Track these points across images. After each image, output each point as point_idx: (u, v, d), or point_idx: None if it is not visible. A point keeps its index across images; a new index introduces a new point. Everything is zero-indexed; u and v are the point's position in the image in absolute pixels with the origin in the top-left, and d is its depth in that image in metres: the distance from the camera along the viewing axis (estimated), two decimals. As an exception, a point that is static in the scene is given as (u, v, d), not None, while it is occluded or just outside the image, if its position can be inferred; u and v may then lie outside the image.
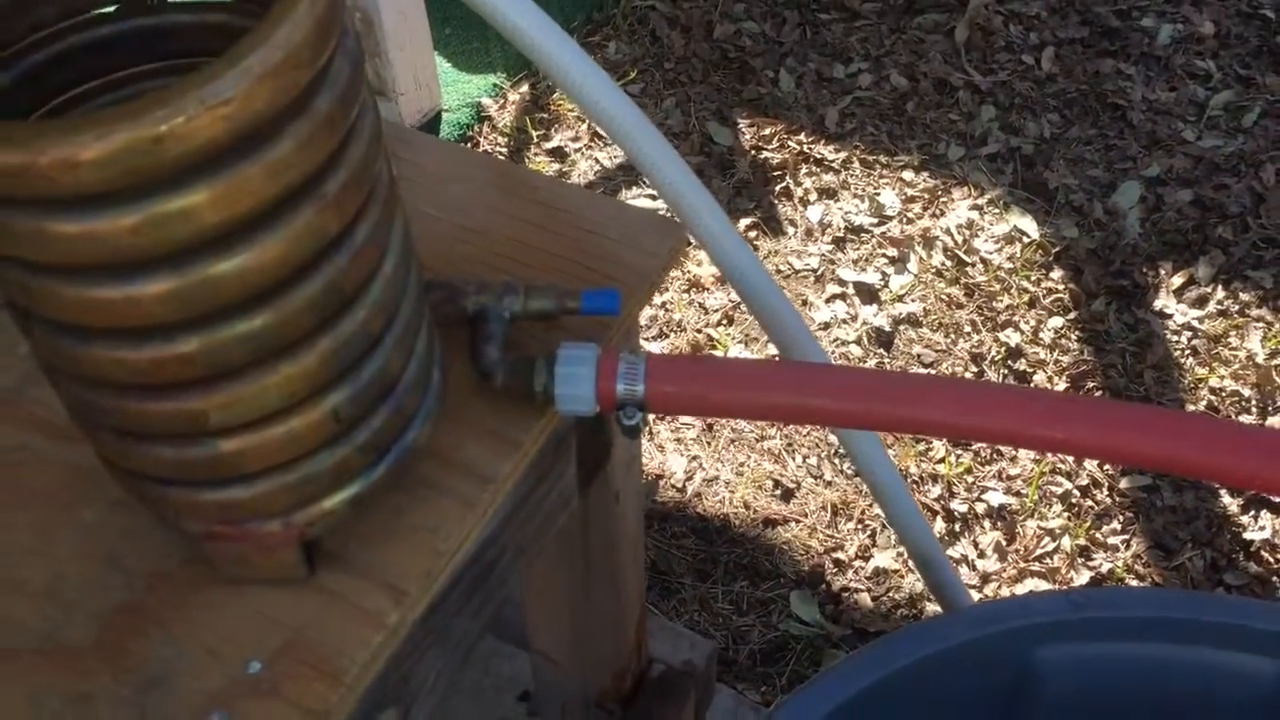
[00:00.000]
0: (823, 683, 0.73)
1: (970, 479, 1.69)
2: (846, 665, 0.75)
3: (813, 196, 2.03)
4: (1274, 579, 1.58)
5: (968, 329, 1.85)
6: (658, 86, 2.20)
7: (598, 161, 2.10)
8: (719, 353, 1.82)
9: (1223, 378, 1.76)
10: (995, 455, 1.72)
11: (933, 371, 1.81)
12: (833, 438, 1.74)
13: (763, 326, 0.82)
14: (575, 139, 2.13)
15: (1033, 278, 1.90)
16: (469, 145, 2.11)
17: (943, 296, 1.89)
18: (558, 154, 2.11)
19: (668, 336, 1.85)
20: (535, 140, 2.13)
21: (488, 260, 0.81)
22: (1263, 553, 1.60)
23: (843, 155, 2.09)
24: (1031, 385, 1.79)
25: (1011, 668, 0.75)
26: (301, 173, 0.52)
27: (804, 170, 2.07)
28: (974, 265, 1.92)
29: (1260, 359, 1.77)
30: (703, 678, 1.07)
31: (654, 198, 2.04)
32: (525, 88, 2.20)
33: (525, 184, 0.91)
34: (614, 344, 0.76)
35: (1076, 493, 1.66)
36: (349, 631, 0.60)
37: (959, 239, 1.96)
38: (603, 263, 0.81)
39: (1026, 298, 1.88)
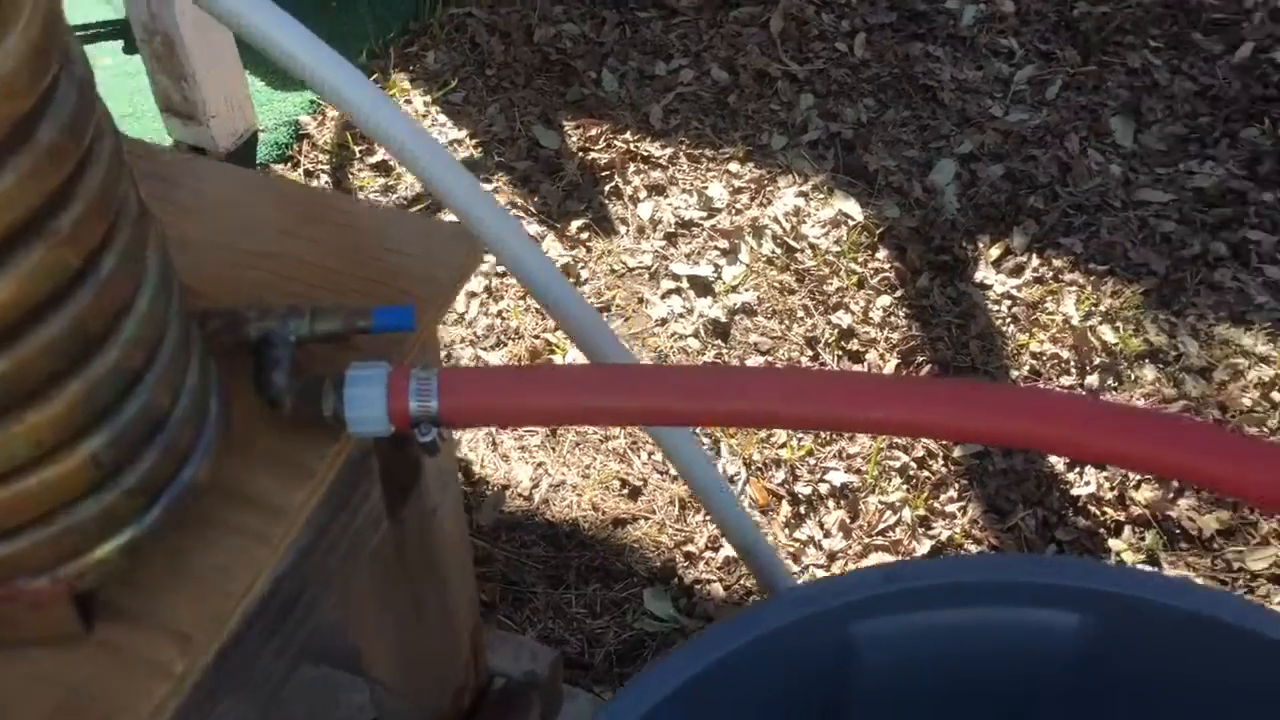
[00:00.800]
0: (645, 679, 0.73)
1: (812, 461, 1.72)
2: (670, 659, 0.75)
3: (642, 194, 2.04)
4: (1101, 530, 1.65)
5: (801, 314, 1.89)
6: (480, 94, 2.18)
7: (423, 172, 2.06)
8: (557, 357, 1.81)
9: (1042, 342, 1.84)
10: (835, 436, 1.75)
11: (770, 359, 1.84)
12: (676, 432, 1.75)
13: (566, 332, 0.81)
14: (399, 151, 2.09)
15: (860, 259, 1.95)
16: (289, 164, 2.05)
17: (775, 284, 1.92)
18: (382, 168, 2.07)
19: (506, 345, 1.84)
20: (358, 155, 2.09)
21: (280, 285, 0.78)
22: (1090, 507, 1.67)
23: (669, 151, 2.10)
24: (864, 364, 1.83)
25: (832, 646, 0.77)
26: (27, 208, 0.49)
27: (632, 168, 2.08)
28: (803, 251, 1.96)
29: (1076, 321, 1.85)
30: (546, 686, 1.06)
31: (483, 205, 2.02)
32: (344, 102, 2.15)
33: (320, 205, 0.89)
34: (410, 360, 0.74)
35: (914, 465, 1.71)
36: (132, 686, 0.57)
37: (787, 226, 1.99)
38: (399, 278, 0.80)
39: (855, 279, 1.92)
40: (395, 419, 0.67)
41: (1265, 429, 1.71)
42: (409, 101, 2.16)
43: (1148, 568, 1.60)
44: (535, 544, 1.62)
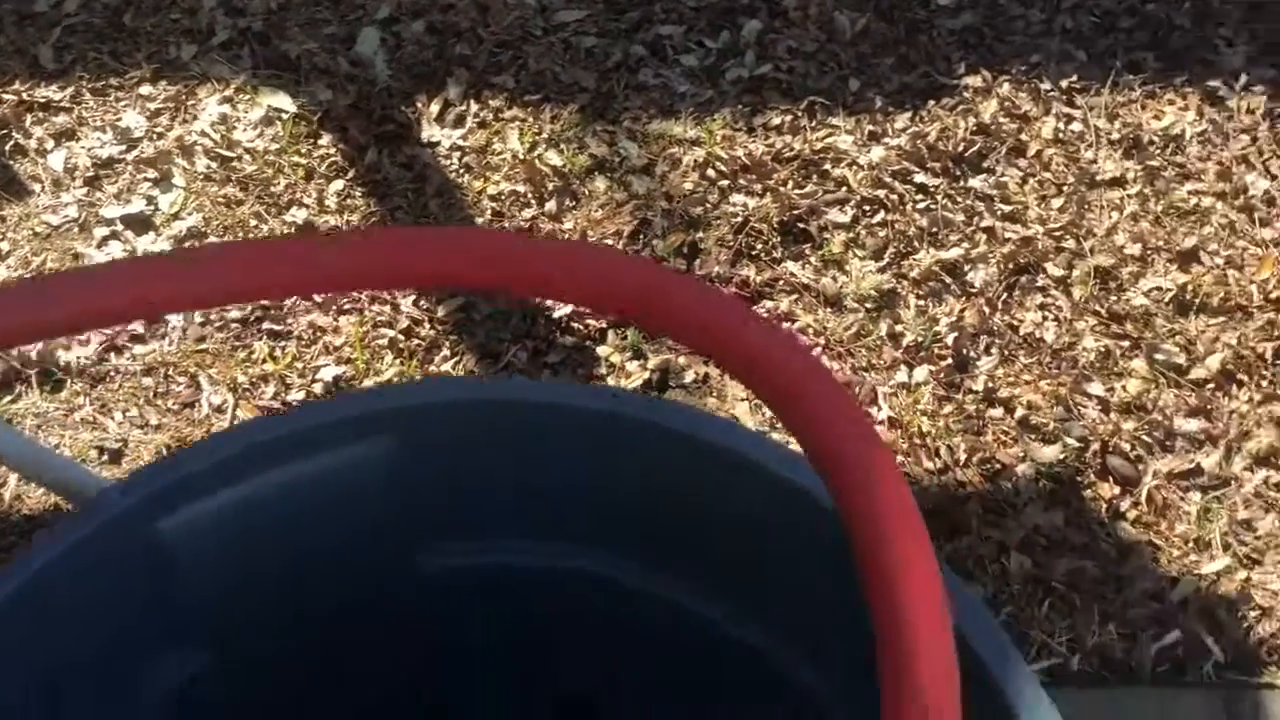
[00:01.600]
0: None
1: (301, 365, 1.67)
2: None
3: (49, 144, 1.86)
4: (588, 343, 1.71)
5: (254, 222, 1.80)
6: None
7: None
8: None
9: (498, 183, 1.86)
10: (317, 333, 1.70)
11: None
12: (147, 379, 1.64)
13: None
14: None
15: (303, 150, 1.88)
16: None
17: (219, 200, 1.82)
18: None
19: None
20: None
21: None
22: (573, 324, 1.72)
23: (70, 91, 1.92)
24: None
25: (143, 550, 0.73)
26: None
27: (30, 119, 1.88)
28: (240, 158, 1.86)
29: (523, 155, 1.88)
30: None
31: None
32: None
33: None
34: None
35: (401, 337, 1.69)
36: None
37: (217, 137, 1.88)
38: None
39: (302, 172, 1.85)
40: None
41: (706, 205, 1.82)
42: None
43: (634, 363, 1.69)
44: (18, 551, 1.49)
